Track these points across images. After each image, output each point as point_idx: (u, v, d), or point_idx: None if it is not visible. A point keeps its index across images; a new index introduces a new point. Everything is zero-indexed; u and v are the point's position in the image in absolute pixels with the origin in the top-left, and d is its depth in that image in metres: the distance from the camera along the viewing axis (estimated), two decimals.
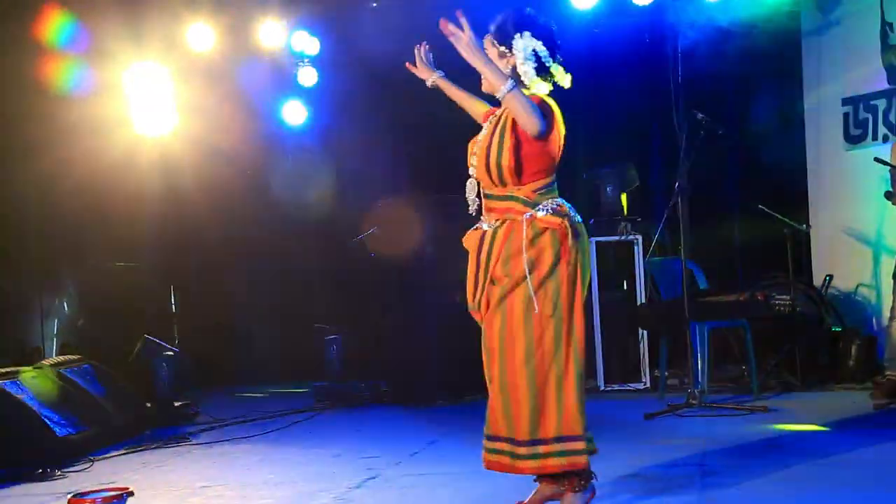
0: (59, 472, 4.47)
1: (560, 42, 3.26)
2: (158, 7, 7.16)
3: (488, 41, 3.24)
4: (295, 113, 8.17)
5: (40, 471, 4.41)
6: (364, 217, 7.00)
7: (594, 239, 6.34)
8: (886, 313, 5.61)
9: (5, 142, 6.62)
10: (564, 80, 3.24)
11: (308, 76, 8.01)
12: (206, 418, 6.08)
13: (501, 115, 3.24)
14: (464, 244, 3.35)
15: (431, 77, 3.57)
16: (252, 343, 8.13)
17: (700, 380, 5.64)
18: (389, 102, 7.62)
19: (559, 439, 3.13)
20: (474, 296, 3.27)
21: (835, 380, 6.27)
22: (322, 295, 8.11)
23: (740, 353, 6.33)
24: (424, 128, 7.41)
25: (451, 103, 3.63)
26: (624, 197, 6.80)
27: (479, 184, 3.29)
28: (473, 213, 3.33)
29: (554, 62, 3.22)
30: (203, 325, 8.02)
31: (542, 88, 3.23)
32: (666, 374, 6.19)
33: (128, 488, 3.01)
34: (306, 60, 7.96)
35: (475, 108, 3.54)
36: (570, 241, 3.14)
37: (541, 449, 3.13)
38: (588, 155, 7.26)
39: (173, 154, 7.42)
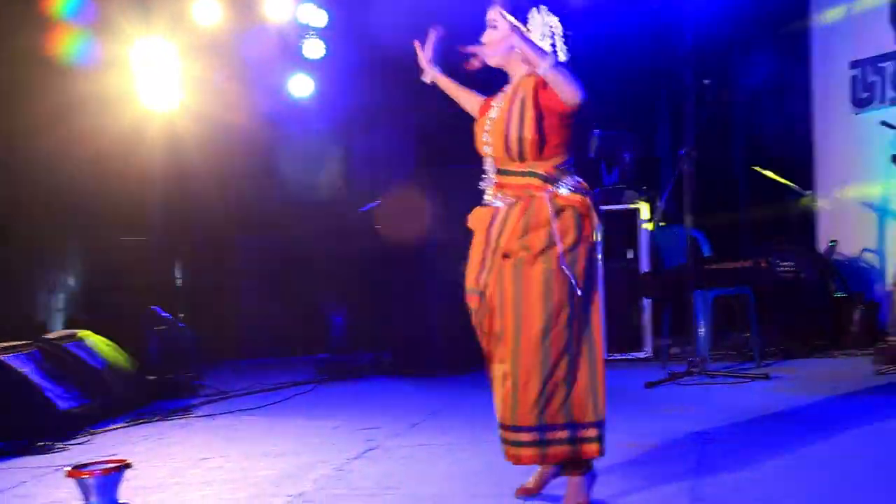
0: (60, 445, 4.50)
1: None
2: None
3: (496, 12, 3.12)
4: (301, 86, 8.12)
5: (41, 444, 4.44)
6: (371, 192, 6.95)
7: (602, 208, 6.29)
8: (890, 279, 5.57)
9: (14, 116, 6.60)
10: (565, 56, 3.16)
11: (314, 48, 7.93)
12: (209, 391, 6.09)
13: (515, 91, 3.12)
14: (469, 223, 3.21)
15: (430, 74, 3.48)
16: (257, 317, 8.14)
17: (702, 348, 5.62)
18: (399, 75, 7.53)
19: (567, 426, 2.99)
20: (478, 276, 3.11)
21: (837, 346, 6.25)
22: (327, 269, 8.10)
23: (743, 321, 6.30)
24: (433, 101, 7.32)
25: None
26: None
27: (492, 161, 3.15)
28: (486, 191, 3.17)
29: (564, 42, 3.14)
30: (209, 299, 8.04)
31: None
32: (668, 342, 6.17)
33: (125, 461, 3.00)
34: (312, 32, 7.88)
35: (470, 101, 3.44)
36: (593, 219, 3.04)
37: (547, 435, 2.99)
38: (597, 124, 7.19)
39: (180, 129, 7.39)
